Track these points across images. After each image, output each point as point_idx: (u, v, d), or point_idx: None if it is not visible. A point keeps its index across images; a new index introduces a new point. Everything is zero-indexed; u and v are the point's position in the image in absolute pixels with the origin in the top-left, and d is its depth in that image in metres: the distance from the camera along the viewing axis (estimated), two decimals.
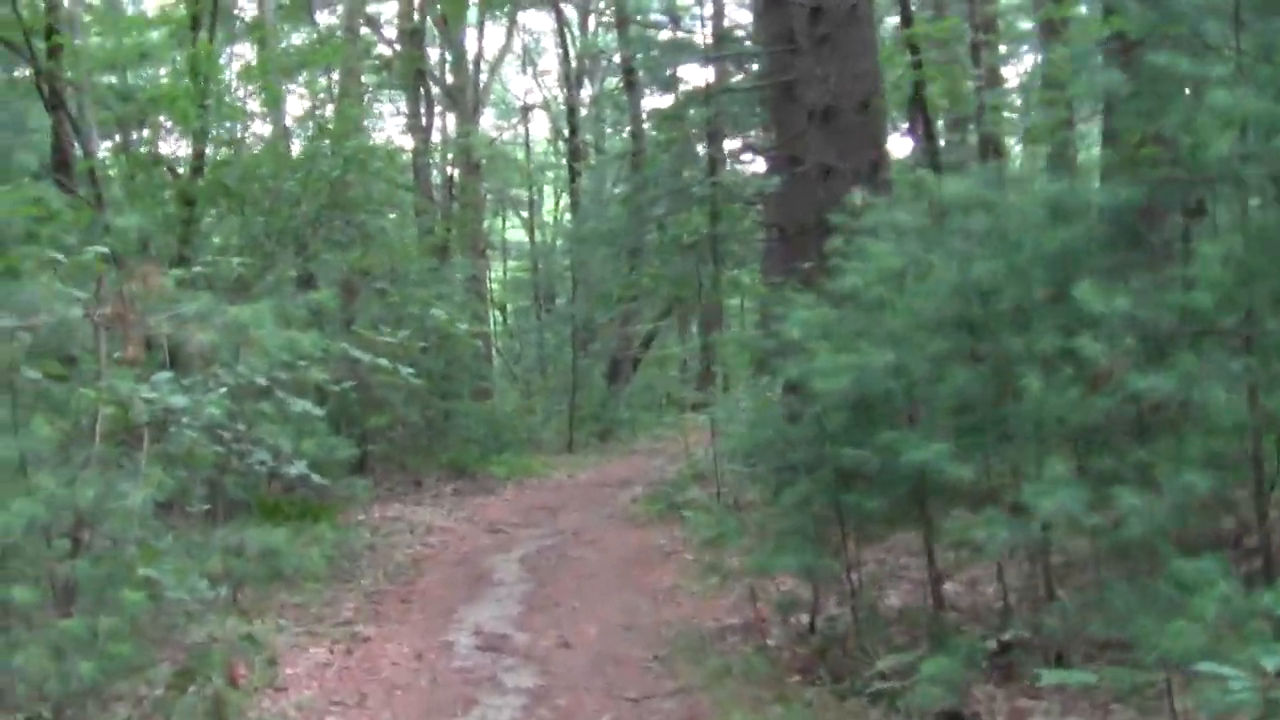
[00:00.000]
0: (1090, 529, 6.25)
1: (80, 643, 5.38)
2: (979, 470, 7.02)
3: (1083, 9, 15.83)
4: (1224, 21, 6.37)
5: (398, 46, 29.51)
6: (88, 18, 19.09)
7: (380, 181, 19.29)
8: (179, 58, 18.11)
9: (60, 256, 6.97)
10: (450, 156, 30.45)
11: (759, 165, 26.12)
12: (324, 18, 30.27)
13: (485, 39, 34.81)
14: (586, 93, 37.66)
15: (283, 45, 24.34)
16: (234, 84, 19.03)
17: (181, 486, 7.60)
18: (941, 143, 21.78)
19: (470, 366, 22.30)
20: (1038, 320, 6.90)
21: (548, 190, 44.88)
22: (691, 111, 24.75)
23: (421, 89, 29.41)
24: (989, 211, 7.20)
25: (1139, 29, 7.21)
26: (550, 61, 42.90)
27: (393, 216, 21.36)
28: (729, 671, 8.16)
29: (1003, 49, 27.59)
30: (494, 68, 37.36)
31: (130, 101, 17.35)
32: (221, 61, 18.84)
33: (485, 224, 33.42)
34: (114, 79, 18.78)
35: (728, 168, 25.90)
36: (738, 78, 25.77)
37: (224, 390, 8.60)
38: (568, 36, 35.98)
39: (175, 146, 19.29)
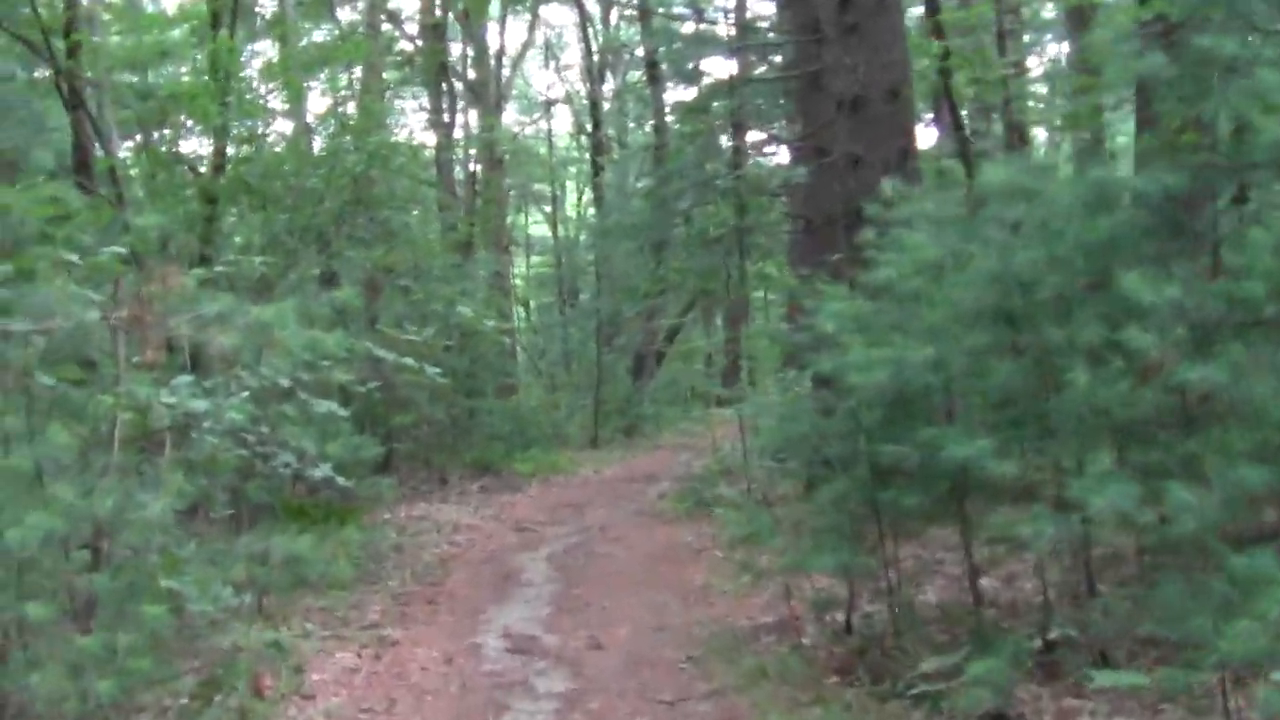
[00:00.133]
0: (1141, 526, 6.06)
1: (98, 660, 5.23)
2: (1021, 466, 6.84)
3: None
4: (1270, 1, 6.20)
5: (419, 42, 29.39)
6: (107, 16, 19.00)
7: (403, 178, 19.22)
8: (200, 56, 18.02)
9: (75, 258, 6.81)
10: (473, 152, 30.37)
11: (783, 157, 25.99)
12: (345, 14, 30.19)
13: (507, 34, 34.79)
14: (609, 87, 37.53)
15: (303, 43, 24.24)
16: (255, 81, 18.95)
17: (204, 493, 7.47)
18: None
19: (495, 364, 22.21)
20: (1079, 311, 6.72)
21: (570, 185, 44.80)
22: (715, 104, 24.58)
23: (444, 84, 29.33)
24: (1029, 200, 7.01)
25: (1181, 10, 7.04)
26: (573, 56, 42.70)
27: (416, 213, 21.30)
28: (765, 673, 7.98)
29: (1026, 37, 27.41)
30: (516, 62, 37.27)
31: (150, 100, 17.24)
32: (242, 59, 18.70)
33: (508, 219, 33.30)
34: (134, 78, 18.70)
35: (751, 160, 25.74)
36: (760, 69, 25.59)
37: (246, 394, 8.46)
38: (590, 30, 35.88)
39: (197, 145, 19.20)
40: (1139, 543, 6.83)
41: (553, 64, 41.92)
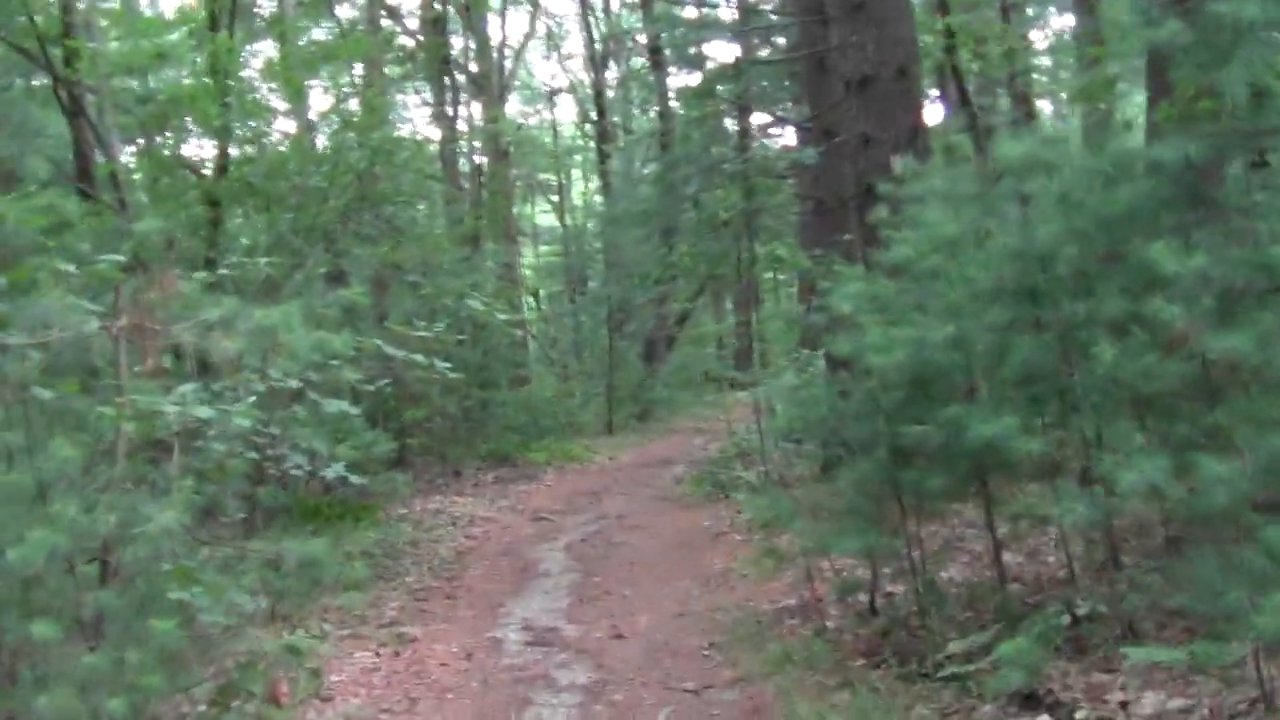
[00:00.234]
0: (1173, 500, 5.94)
1: (108, 677, 5.12)
2: (1046, 443, 6.71)
3: None
4: None
5: (420, 36, 29.28)
6: (104, 21, 18.89)
7: (408, 172, 19.11)
8: (199, 59, 17.92)
9: (73, 268, 6.69)
10: (478, 144, 30.26)
11: (789, 138, 25.84)
12: (345, 11, 30.09)
13: (509, 25, 34.67)
14: (612, 74, 37.43)
15: (303, 41, 24.14)
16: (256, 81, 18.85)
17: (213, 500, 7.37)
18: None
19: (507, 355, 22.13)
20: (1100, 284, 6.59)
21: (576, 174, 44.71)
22: (720, 88, 24.47)
23: (446, 78, 29.21)
24: (1049, 173, 6.88)
25: None
26: (575, 44, 42.56)
27: (422, 208, 21.20)
28: (789, 658, 7.88)
29: (1029, 11, 27.27)
30: (518, 53, 37.18)
31: (150, 103, 17.14)
32: (242, 59, 18.61)
33: (515, 210, 33.19)
34: (134, 82, 18.59)
35: (758, 143, 25.63)
36: (764, 52, 25.47)
37: (253, 399, 8.36)
38: (591, 19, 35.75)
39: (199, 148, 19.12)
40: (1163, 514, 6.70)
41: (555, 54, 41.82)
